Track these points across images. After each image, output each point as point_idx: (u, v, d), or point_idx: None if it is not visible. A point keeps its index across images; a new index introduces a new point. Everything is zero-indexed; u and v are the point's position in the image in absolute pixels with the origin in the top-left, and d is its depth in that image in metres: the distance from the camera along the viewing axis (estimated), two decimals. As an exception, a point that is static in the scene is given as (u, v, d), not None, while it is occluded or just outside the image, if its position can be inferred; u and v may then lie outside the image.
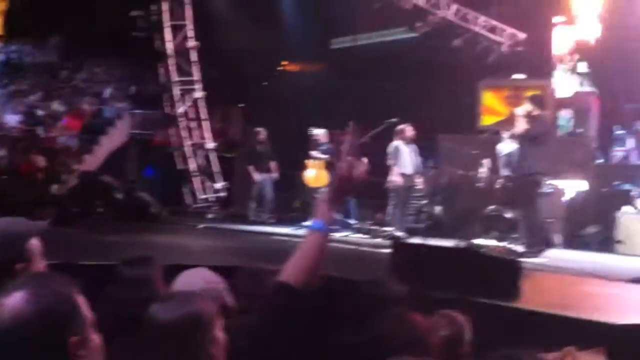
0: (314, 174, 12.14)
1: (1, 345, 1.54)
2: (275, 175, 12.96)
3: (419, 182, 11.24)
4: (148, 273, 3.17)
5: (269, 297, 2.33)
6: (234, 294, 3.05)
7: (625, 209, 11.06)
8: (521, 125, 8.77)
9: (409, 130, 11.14)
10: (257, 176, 12.76)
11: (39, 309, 1.58)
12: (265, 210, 12.87)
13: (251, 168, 12.87)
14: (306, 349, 2.55)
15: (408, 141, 11.12)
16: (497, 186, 10.40)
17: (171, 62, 13.94)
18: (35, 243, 2.37)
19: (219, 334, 2.28)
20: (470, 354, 3.18)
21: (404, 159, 10.98)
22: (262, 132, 13.25)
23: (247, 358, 2.31)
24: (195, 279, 2.84)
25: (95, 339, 1.69)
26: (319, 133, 12.54)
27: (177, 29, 14.00)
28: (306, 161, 12.37)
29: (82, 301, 1.68)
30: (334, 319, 3.04)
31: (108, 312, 2.52)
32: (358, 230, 10.50)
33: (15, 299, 1.57)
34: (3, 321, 1.55)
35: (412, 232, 10.86)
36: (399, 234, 10.22)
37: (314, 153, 12.41)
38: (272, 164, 13.00)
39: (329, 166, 12.11)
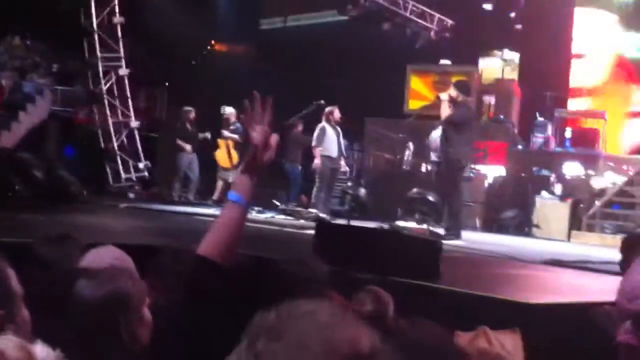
0: (224, 154, 12.18)
1: None
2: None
3: (343, 164, 11.30)
4: (67, 251, 3.10)
5: (188, 272, 2.31)
6: (157, 274, 3.02)
7: (543, 194, 11.43)
8: (445, 111, 8.92)
9: (336, 113, 11.19)
10: (188, 149, 12.67)
11: None
12: (189, 190, 12.80)
13: (181, 143, 12.79)
14: (227, 326, 2.54)
15: (334, 124, 11.17)
16: (422, 170, 10.58)
17: (96, 38, 13.57)
18: None
19: (145, 313, 2.25)
20: (393, 329, 3.22)
21: (329, 141, 11.03)
22: (192, 112, 13.15)
23: (170, 335, 2.28)
24: (104, 256, 2.78)
25: (25, 313, 1.65)
26: (230, 112, 12.53)
27: (102, 4, 13.64)
28: (218, 140, 12.37)
29: (11, 275, 1.64)
30: (255, 297, 3.04)
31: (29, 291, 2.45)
32: (282, 212, 10.51)
33: None
34: None
35: (336, 214, 10.95)
36: (323, 215, 10.28)
37: (224, 132, 12.39)
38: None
39: (239, 146, 12.14)
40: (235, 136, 12.38)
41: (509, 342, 2.90)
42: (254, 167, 2.30)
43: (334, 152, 11.03)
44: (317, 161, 10.93)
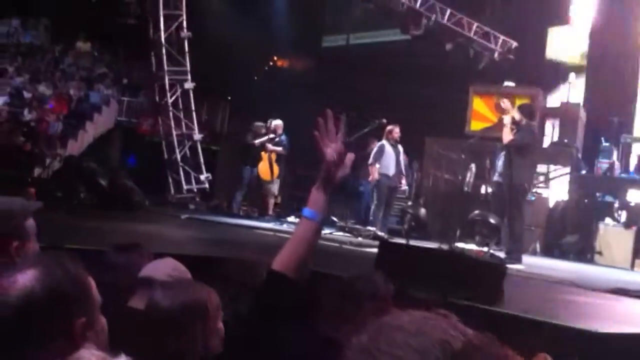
0: (266, 166, 12.27)
1: (10, 322, 1.53)
2: None
3: (403, 183, 11.26)
4: (138, 260, 3.17)
5: (261, 285, 2.34)
6: (222, 284, 3.06)
7: (607, 220, 11.19)
8: (508, 134, 8.83)
9: (396, 131, 11.19)
10: (248, 169, 12.75)
11: (50, 288, 1.58)
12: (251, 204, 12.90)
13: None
14: (295, 339, 2.57)
15: (394, 142, 11.16)
16: (483, 192, 10.47)
17: (163, 52, 13.88)
18: (31, 222, 2.37)
19: (219, 324, 2.30)
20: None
21: (387, 159, 11.03)
22: (262, 127, 13.18)
23: (240, 346, 2.32)
24: (163, 268, 2.83)
25: (102, 321, 1.69)
26: (277, 124, 12.60)
27: (170, 19, 13.94)
28: (261, 153, 12.43)
29: (91, 282, 1.68)
30: (321, 312, 3.07)
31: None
32: (341, 229, 10.53)
33: (27, 277, 1.57)
34: (13, 298, 1.54)
35: (395, 233, 10.91)
36: (381, 234, 10.26)
37: (268, 145, 12.48)
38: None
39: (282, 158, 12.24)
40: (279, 148, 12.45)
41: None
42: (327, 183, 2.32)
43: (391, 171, 11.01)
44: (373, 177, 10.93)
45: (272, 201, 12.67)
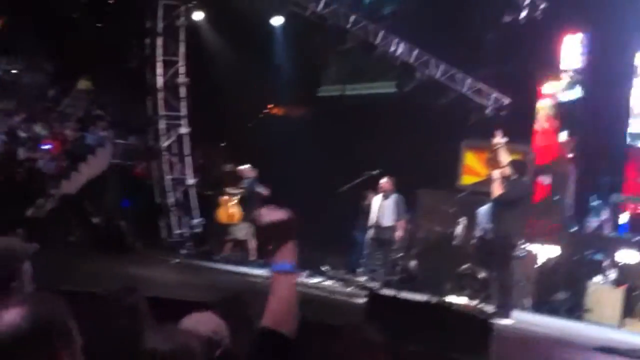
0: (225, 210, 12.41)
1: None
2: None
3: (396, 234, 11.27)
4: (136, 304, 3.21)
5: (255, 343, 2.35)
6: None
7: (596, 278, 11.23)
8: (498, 188, 8.93)
9: (383, 183, 11.31)
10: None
11: (34, 327, 1.64)
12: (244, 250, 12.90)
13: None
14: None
15: (384, 193, 11.24)
16: (473, 245, 10.52)
17: (160, 96, 14.02)
18: (28, 265, 2.42)
19: None
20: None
21: (373, 211, 11.14)
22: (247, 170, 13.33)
23: None
24: (206, 322, 2.92)
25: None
26: (245, 167, 12.76)
27: (168, 64, 14.12)
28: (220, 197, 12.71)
29: (73, 325, 1.75)
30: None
31: (99, 340, 2.55)
32: (331, 278, 10.53)
33: (12, 315, 1.65)
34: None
35: (385, 284, 10.91)
36: (371, 285, 10.26)
37: (228, 189, 12.63)
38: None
39: (243, 201, 12.31)
40: (241, 190, 12.62)
41: None
42: (264, 244, 2.33)
43: (377, 222, 11.09)
44: None
45: (248, 245, 12.69)
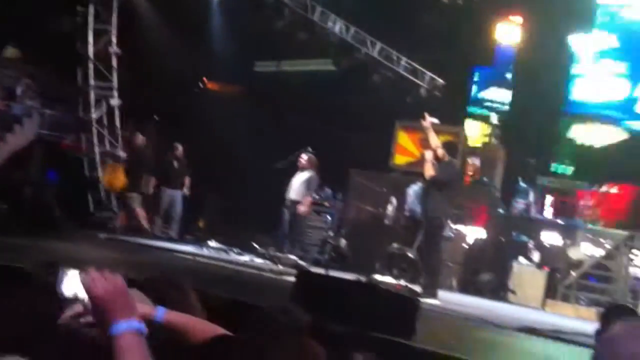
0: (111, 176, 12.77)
1: None
2: (186, 191, 12.95)
3: (300, 209, 11.10)
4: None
5: None
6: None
7: (521, 260, 11.52)
8: (430, 169, 9.02)
9: (302, 159, 11.29)
10: (168, 191, 12.75)
11: None
12: (170, 227, 12.78)
13: (151, 180, 12.85)
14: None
15: (301, 169, 11.23)
16: (402, 225, 10.64)
17: (91, 66, 13.64)
18: None
19: None
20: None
21: (290, 186, 11.11)
22: (179, 148, 13.20)
23: None
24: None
25: None
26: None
27: (100, 34, 13.75)
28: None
29: None
30: (237, 345, 3.05)
31: (23, 315, 2.48)
32: (261, 256, 10.51)
33: None
34: None
35: (315, 263, 10.96)
36: (302, 263, 10.29)
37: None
38: (186, 180, 13.00)
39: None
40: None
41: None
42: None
43: (292, 196, 11.08)
44: None
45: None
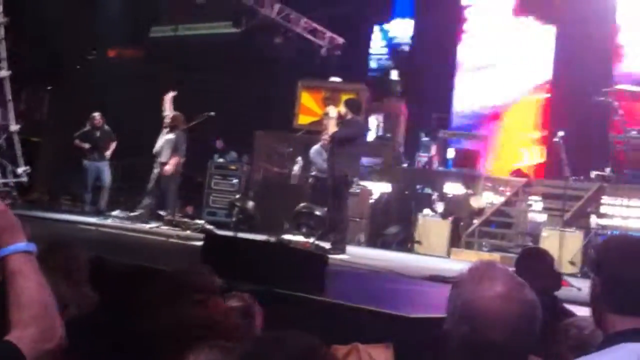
0: None
1: None
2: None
3: (166, 169, 10.80)
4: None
5: None
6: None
7: (426, 211, 11.80)
8: (332, 127, 9.06)
9: (167, 118, 11.12)
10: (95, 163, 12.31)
11: None
12: (100, 199, 12.37)
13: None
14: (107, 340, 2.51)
15: (169, 128, 11.04)
16: (309, 185, 10.70)
17: (-24, 36, 12.97)
18: None
19: None
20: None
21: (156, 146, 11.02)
22: (97, 117, 12.68)
23: None
24: None
25: None
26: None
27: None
28: None
29: None
30: (138, 307, 3.00)
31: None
32: (169, 223, 10.37)
33: None
34: None
35: (223, 226, 10.90)
36: (210, 227, 10.22)
37: None
38: (112, 146, 12.55)
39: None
40: None
41: (381, 357, 2.98)
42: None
43: (160, 157, 10.92)
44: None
45: None
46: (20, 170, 13.06)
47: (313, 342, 1.88)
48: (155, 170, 10.83)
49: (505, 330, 1.79)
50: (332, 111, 9.22)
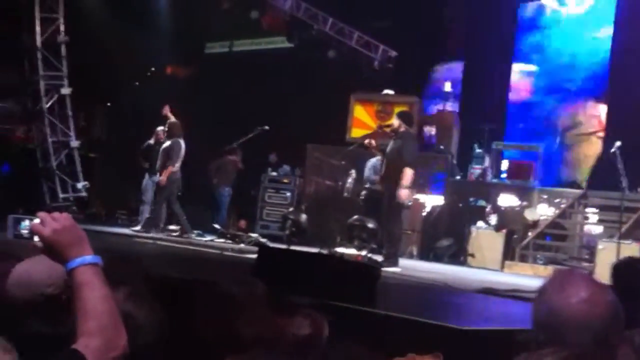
0: None
1: None
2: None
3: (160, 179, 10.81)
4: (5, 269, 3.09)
5: None
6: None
7: (479, 224, 11.70)
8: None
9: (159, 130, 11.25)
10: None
11: None
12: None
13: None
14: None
15: (165, 137, 11.16)
16: (362, 197, 10.73)
17: (39, 56, 13.42)
18: None
19: None
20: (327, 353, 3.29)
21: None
22: (160, 132, 12.77)
23: None
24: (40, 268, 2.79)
25: None
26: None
27: (46, 22, 13.51)
28: None
29: None
30: (196, 318, 3.08)
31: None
32: (222, 236, 10.52)
33: None
34: None
35: (276, 239, 11.01)
36: (263, 240, 10.33)
37: None
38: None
39: None
40: None
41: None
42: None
43: (157, 166, 11.01)
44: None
45: None
46: (79, 185, 13.45)
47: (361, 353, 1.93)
48: (154, 178, 10.91)
49: (591, 333, 1.84)
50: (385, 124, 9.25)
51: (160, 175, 10.67)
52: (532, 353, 1.43)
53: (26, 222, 2.88)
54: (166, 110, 11.09)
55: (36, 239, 1.94)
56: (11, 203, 10.52)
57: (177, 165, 10.66)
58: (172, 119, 11.03)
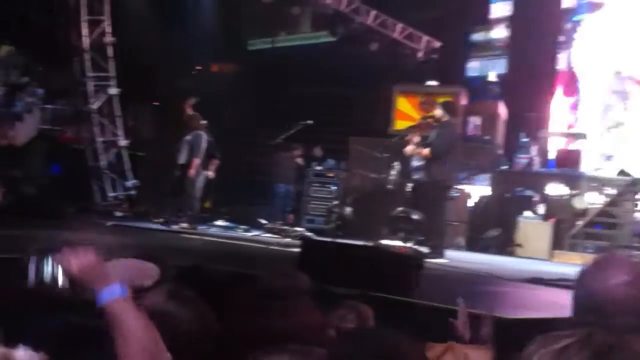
0: None
1: None
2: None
3: (189, 172, 11.00)
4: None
5: None
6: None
7: (526, 214, 11.56)
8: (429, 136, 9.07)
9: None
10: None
11: None
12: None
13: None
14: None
15: (188, 129, 11.29)
16: (406, 189, 10.69)
17: (87, 57, 13.68)
18: None
19: None
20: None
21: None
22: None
23: None
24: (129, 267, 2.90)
25: None
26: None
27: (93, 24, 13.76)
28: None
29: None
30: (240, 310, 3.12)
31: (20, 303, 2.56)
32: (268, 230, 10.60)
33: None
34: None
35: (321, 233, 11.05)
36: (309, 234, 10.38)
37: None
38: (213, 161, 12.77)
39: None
40: None
41: (477, 357, 2.99)
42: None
43: (180, 160, 11.12)
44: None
45: None
46: (129, 183, 13.68)
47: (397, 339, 1.94)
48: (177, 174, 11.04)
49: (632, 316, 1.83)
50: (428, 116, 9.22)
51: (190, 169, 10.85)
52: (550, 335, 1.42)
53: (48, 267, 2.94)
54: (187, 106, 11.14)
55: (60, 282, 2.02)
56: (62, 202, 10.76)
57: (201, 157, 10.91)
58: (191, 112, 11.16)
